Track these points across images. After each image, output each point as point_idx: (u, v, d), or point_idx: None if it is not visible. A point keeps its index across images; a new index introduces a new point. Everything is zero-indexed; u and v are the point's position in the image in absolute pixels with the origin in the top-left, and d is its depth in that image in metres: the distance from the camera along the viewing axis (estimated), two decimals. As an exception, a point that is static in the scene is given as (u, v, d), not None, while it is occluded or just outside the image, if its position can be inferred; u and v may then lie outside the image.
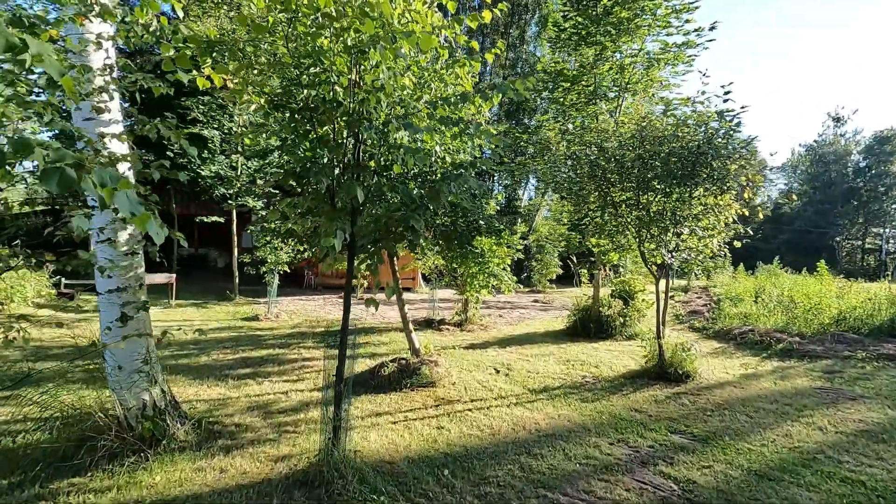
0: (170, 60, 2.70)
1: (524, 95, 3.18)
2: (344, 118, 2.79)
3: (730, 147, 5.39)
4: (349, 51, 2.71)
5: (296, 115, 2.89)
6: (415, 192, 3.49)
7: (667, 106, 5.42)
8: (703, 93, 5.53)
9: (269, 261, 10.70)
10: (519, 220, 23.55)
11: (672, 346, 6.03)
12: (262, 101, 2.96)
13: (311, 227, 3.46)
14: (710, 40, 8.21)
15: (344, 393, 3.57)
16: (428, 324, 10.27)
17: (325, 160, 3.05)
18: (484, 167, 3.44)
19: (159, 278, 11.52)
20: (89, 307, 11.21)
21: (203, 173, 12.02)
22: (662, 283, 6.19)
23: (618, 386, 5.72)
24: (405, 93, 3.33)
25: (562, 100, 9.60)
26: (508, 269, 10.14)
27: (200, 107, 12.32)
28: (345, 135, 2.93)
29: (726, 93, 5.25)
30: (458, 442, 4.06)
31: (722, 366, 6.75)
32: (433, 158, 4.00)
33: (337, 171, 3.16)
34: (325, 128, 3.10)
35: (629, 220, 5.94)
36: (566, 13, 8.85)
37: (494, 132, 3.42)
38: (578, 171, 6.16)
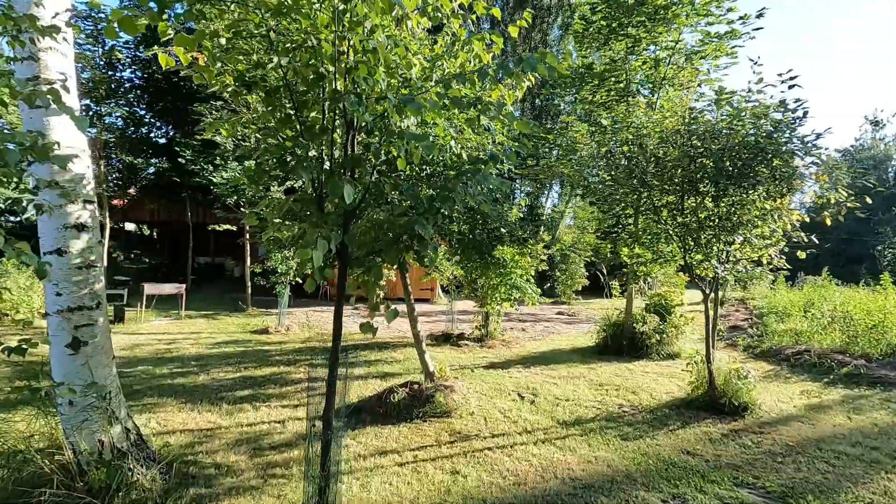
0: (112, 29, 2.14)
1: (560, 71, 2.53)
2: (328, 95, 2.19)
3: (795, 141, 4.62)
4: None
5: (271, 95, 2.32)
6: (423, 192, 2.88)
7: (719, 95, 4.68)
8: (760, 80, 4.78)
9: (279, 270, 10.22)
10: (542, 229, 22.76)
11: (724, 372, 5.22)
12: (232, 79, 2.40)
13: (298, 234, 2.87)
14: (758, 29, 7.42)
15: (333, 436, 2.93)
16: (446, 338, 9.61)
17: (310, 152, 2.44)
18: (507, 162, 2.79)
19: (168, 289, 11.17)
20: (98, 318, 10.93)
21: (215, 180, 11.67)
22: (711, 298, 5.40)
23: (662, 418, 4.95)
24: (412, 71, 2.72)
25: (589, 98, 8.90)
26: (532, 280, 9.44)
27: (214, 112, 12.06)
28: (333, 118, 2.34)
29: (791, 79, 4.49)
30: (475, 493, 3.38)
31: (779, 393, 5.89)
32: (447, 155, 3.38)
33: (327, 165, 2.56)
34: (312, 112, 2.51)
35: (671, 227, 5.20)
36: (595, 5, 8.18)
37: (521, 119, 2.77)
38: (613, 173, 5.45)
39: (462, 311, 13.68)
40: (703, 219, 4.89)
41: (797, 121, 4.65)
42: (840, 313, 9.92)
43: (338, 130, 2.57)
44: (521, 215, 7.91)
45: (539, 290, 9.34)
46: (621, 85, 8.19)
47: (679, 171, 4.97)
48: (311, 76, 2.18)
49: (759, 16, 7.32)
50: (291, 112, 2.35)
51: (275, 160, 2.32)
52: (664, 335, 8.30)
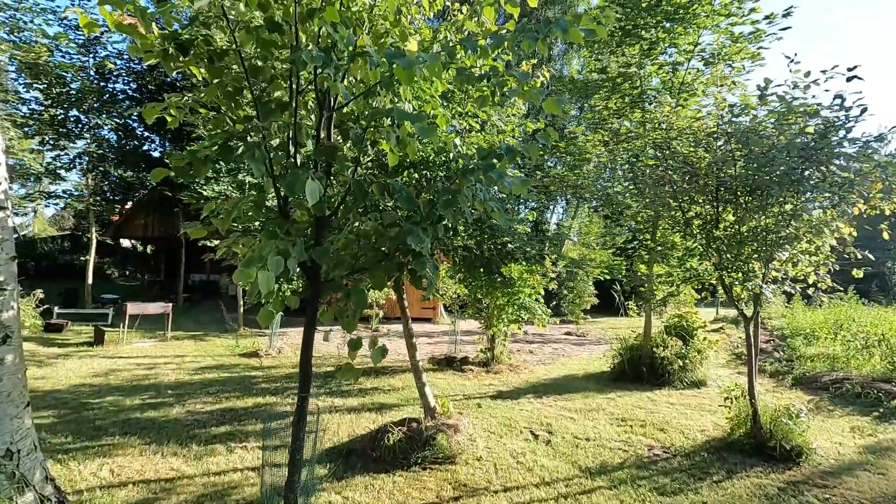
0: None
1: (601, 35, 1.95)
2: (284, 55, 1.60)
3: (852, 143, 4.01)
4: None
5: (216, 61, 1.73)
6: (422, 197, 2.26)
7: (764, 89, 4.07)
8: (808, 74, 4.18)
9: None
10: (547, 245, 22.13)
11: (771, 409, 4.52)
12: (163, 40, 1.81)
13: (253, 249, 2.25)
14: (785, 29, 6.88)
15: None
16: (448, 362, 8.91)
17: (274, 140, 1.83)
18: (527, 155, 2.18)
19: (153, 308, 10.53)
20: (77, 340, 10.27)
21: (205, 193, 11.12)
22: (748, 321, 4.73)
23: (701, 465, 4.23)
24: (407, 44, 2.13)
25: (599, 107, 8.34)
26: (542, 299, 8.78)
27: (208, 126, 11.59)
28: (296, 90, 1.74)
29: (850, 69, 3.88)
30: (487, 576, 2.68)
31: (827, 430, 5.17)
32: (451, 155, 2.78)
33: (296, 157, 1.94)
34: (274, 89, 1.91)
35: (704, 241, 4.56)
36: (606, 6, 7.67)
37: (547, 99, 2.16)
38: (639, 180, 4.83)
39: (466, 331, 12.99)
40: (745, 232, 4.24)
41: (852, 119, 4.04)
42: (875, 336, 9.19)
43: (309, 111, 1.97)
44: (528, 230, 7.29)
45: (549, 311, 8.67)
46: (636, 90, 7.63)
47: (715, 178, 4.35)
48: (266, 33, 1.59)
49: (787, 15, 6.78)
50: (243, 83, 1.76)
51: (217, 146, 1.72)
52: (686, 360, 7.59)
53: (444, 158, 3.06)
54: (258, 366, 8.55)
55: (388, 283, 2.39)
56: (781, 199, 4.04)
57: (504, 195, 4.03)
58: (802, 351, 9.19)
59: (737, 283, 4.23)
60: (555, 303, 19.85)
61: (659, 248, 7.51)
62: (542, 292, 8.71)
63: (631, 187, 4.86)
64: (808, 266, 4.54)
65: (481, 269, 3.61)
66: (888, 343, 8.47)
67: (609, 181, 7.44)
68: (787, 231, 4.04)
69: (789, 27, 6.85)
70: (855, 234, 4.54)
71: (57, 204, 15.33)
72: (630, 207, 5.26)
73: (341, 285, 2.26)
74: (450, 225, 2.23)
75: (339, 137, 2.07)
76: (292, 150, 1.85)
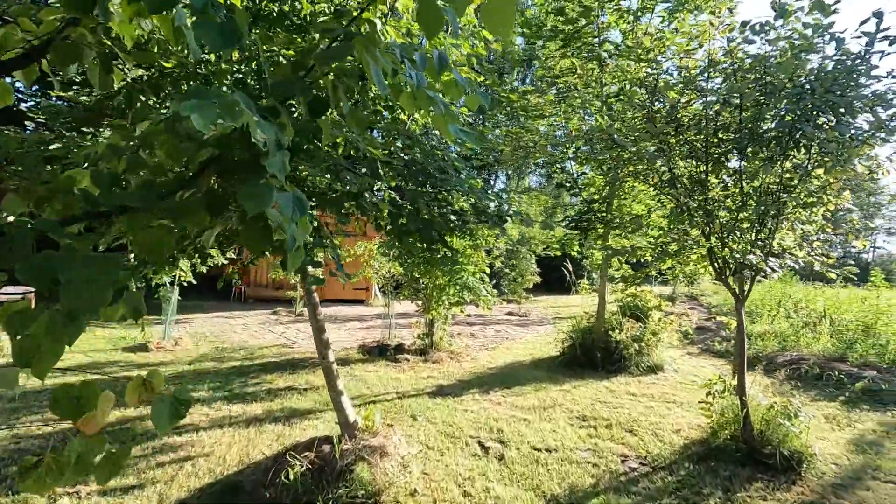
0: None
1: None
2: None
3: (873, 83, 3.21)
4: None
5: None
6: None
7: (778, 8, 3.17)
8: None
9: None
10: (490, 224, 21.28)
11: (763, 408, 3.78)
12: None
13: None
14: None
15: None
16: (381, 351, 7.75)
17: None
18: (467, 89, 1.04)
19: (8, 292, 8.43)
20: None
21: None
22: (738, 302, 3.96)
23: (690, 483, 3.41)
24: None
25: (554, 58, 7.32)
26: (486, 278, 7.80)
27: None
28: None
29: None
30: None
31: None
32: None
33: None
34: None
35: (695, 205, 3.67)
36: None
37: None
38: (626, 124, 3.82)
39: (402, 313, 11.87)
40: (751, 193, 3.38)
41: (875, 55, 3.23)
42: (816, 312, 9.13)
43: None
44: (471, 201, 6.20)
45: (495, 292, 7.72)
46: (595, 40, 6.66)
47: (712, 125, 3.44)
48: None
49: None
50: None
51: None
52: (642, 344, 6.94)
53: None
54: (144, 362, 6.94)
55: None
56: (797, 150, 3.18)
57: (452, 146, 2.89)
58: (749, 329, 8.94)
59: (737, 254, 3.37)
60: (496, 281, 19.22)
61: (616, 220, 6.75)
62: (487, 270, 7.74)
63: (620, 127, 3.82)
64: (809, 235, 3.80)
65: (417, 240, 2.48)
66: (831, 320, 8.36)
67: (563, 144, 6.49)
68: (805, 189, 3.20)
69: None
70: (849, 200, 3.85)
71: None
72: (614, 151, 4.26)
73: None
74: (344, 112, 1.06)
75: None
76: None
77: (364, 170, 2.00)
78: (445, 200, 2.60)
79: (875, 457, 3.86)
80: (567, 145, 6.17)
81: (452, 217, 2.58)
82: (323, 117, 1.18)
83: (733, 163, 3.75)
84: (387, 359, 7.41)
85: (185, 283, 8.37)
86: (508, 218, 2.97)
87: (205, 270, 8.01)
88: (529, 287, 14.82)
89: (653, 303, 7.60)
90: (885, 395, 5.39)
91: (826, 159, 2.98)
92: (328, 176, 1.92)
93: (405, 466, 3.41)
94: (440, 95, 1.29)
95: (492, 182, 19.23)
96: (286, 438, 4.13)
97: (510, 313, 13.91)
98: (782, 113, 2.96)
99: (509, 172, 20.83)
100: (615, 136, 3.55)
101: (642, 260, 4.74)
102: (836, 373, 6.07)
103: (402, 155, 2.58)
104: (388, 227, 2.51)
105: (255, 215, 0.83)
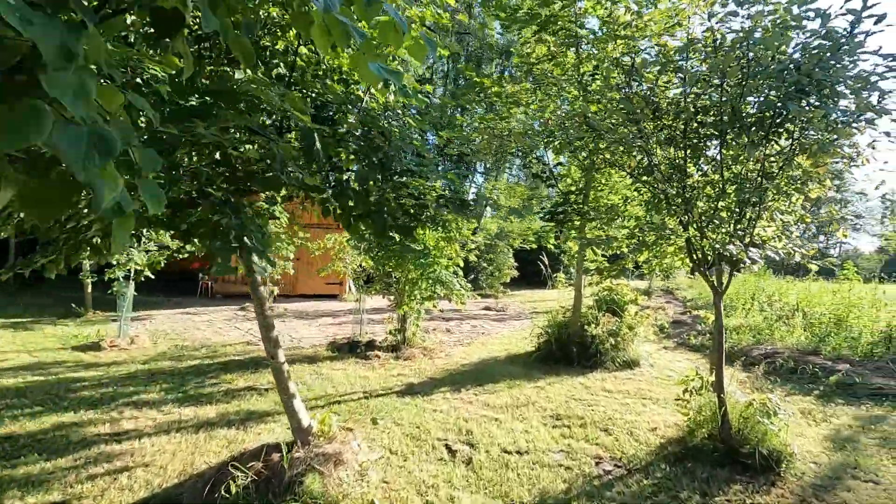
0: None
1: None
2: None
3: (860, 64, 3.04)
4: None
5: None
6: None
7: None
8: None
9: (116, 262, 7.39)
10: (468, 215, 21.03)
11: (741, 406, 3.62)
12: None
13: None
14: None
15: None
16: (351, 348, 7.45)
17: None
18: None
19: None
20: None
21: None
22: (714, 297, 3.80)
23: (666, 485, 3.22)
24: None
25: (529, 44, 7.06)
26: (460, 273, 7.56)
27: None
28: None
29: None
30: None
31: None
32: None
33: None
34: None
35: (672, 193, 3.47)
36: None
37: None
38: (602, 105, 3.59)
39: (376, 308, 11.55)
40: (729, 179, 3.19)
41: (859, 34, 3.07)
42: (789, 306, 9.16)
43: None
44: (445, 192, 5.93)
45: (469, 286, 7.48)
46: (572, 23, 6.42)
47: (691, 109, 3.23)
48: None
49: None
50: None
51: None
52: (618, 338, 6.80)
53: None
54: (95, 362, 6.49)
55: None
56: (779, 136, 3.00)
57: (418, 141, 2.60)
58: (724, 323, 8.90)
59: (717, 245, 3.18)
60: (473, 276, 19.02)
61: (593, 212, 6.57)
62: (461, 264, 7.49)
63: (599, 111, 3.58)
64: (784, 226, 3.65)
65: (368, 227, 2.20)
66: (804, 313, 8.38)
67: (539, 134, 6.26)
68: (786, 177, 3.03)
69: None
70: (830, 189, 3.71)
71: None
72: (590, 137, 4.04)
73: None
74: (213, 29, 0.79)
75: None
76: None
77: (295, 141, 1.71)
78: (401, 184, 2.33)
79: (853, 454, 3.75)
80: (543, 135, 5.94)
81: (408, 202, 2.30)
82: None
83: (712, 151, 3.58)
84: (357, 356, 7.11)
85: (143, 279, 7.89)
86: (472, 204, 2.71)
87: (162, 264, 7.56)
88: (507, 281, 14.64)
89: (629, 297, 7.47)
90: (858, 389, 5.34)
91: (812, 143, 2.80)
92: (255, 147, 1.63)
93: (363, 475, 3.13)
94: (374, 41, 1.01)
95: (470, 175, 18.98)
96: (238, 445, 3.81)
97: (487, 308, 13.72)
98: (767, 92, 2.77)
99: (488, 166, 20.61)
100: (589, 116, 3.32)
101: (618, 252, 4.57)
102: (811, 366, 6.02)
103: (355, 132, 2.29)
104: (338, 213, 2.22)
105: (42, 165, 0.54)
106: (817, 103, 2.73)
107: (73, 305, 9.57)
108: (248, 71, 1.81)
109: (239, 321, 9.99)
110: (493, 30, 16.74)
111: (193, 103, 1.50)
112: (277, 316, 10.80)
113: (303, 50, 2.48)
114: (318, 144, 1.67)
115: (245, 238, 1.58)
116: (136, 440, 3.91)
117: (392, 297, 7.48)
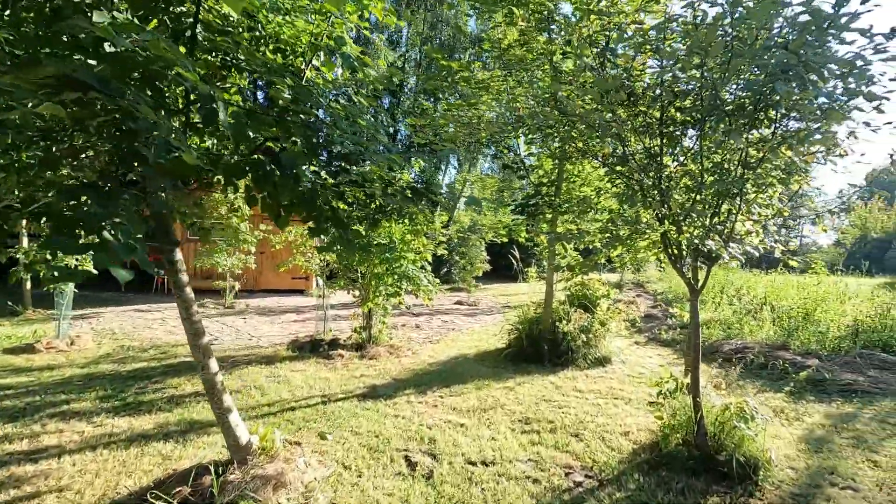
0: None
1: None
2: None
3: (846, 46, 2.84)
4: None
5: None
6: None
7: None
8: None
9: (55, 256, 6.77)
10: (438, 209, 20.73)
11: (717, 410, 3.43)
12: None
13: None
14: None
15: None
16: (314, 347, 7.06)
17: None
18: None
19: None
20: None
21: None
22: (691, 294, 3.60)
23: (638, 496, 3.00)
24: None
25: (500, 27, 6.73)
26: (428, 267, 7.25)
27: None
28: None
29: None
30: None
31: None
32: None
33: None
34: None
35: (651, 183, 3.23)
36: None
37: None
38: (575, 86, 3.29)
39: (343, 303, 11.15)
40: (710, 169, 2.96)
41: (844, 15, 2.86)
42: (757, 299, 9.20)
43: None
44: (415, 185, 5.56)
45: (437, 281, 7.18)
46: (543, 8, 6.12)
47: (668, 93, 2.98)
48: None
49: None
50: None
51: None
52: (590, 335, 6.62)
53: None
54: (27, 366, 5.91)
55: None
56: (762, 122, 2.77)
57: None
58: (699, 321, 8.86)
59: (695, 240, 2.95)
60: (446, 269, 18.74)
61: (565, 204, 6.35)
62: (430, 258, 7.17)
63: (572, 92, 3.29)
64: (762, 220, 3.46)
65: (299, 215, 1.85)
66: (772, 307, 8.40)
67: (512, 121, 5.96)
68: (767, 168, 2.81)
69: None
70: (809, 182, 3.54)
71: None
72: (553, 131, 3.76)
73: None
74: None
75: None
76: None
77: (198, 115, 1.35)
78: (341, 169, 1.98)
79: (829, 457, 3.62)
80: (513, 123, 5.65)
81: (351, 191, 1.96)
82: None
83: (688, 142, 3.35)
84: (319, 356, 6.72)
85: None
86: (435, 193, 2.38)
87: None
88: (479, 275, 14.41)
89: (601, 291, 7.30)
90: (828, 385, 5.29)
91: (801, 129, 2.58)
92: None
93: (308, 497, 2.79)
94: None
95: (442, 168, 18.62)
96: (173, 462, 3.41)
97: (459, 302, 13.47)
98: (752, 72, 2.53)
99: (460, 158, 20.29)
100: (559, 98, 3.04)
101: (591, 247, 4.33)
102: (781, 361, 5.96)
103: (290, 107, 1.93)
104: (267, 202, 1.86)
105: None
106: (806, 86, 2.50)
107: (10, 303, 8.84)
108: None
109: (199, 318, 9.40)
110: (465, 12, 16.38)
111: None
112: (238, 313, 10.27)
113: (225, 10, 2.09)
114: (222, 115, 1.32)
115: (107, 232, 1.22)
116: (56, 459, 3.47)
117: (357, 293, 7.12)
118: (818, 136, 2.53)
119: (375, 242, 6.43)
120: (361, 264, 6.81)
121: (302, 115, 1.84)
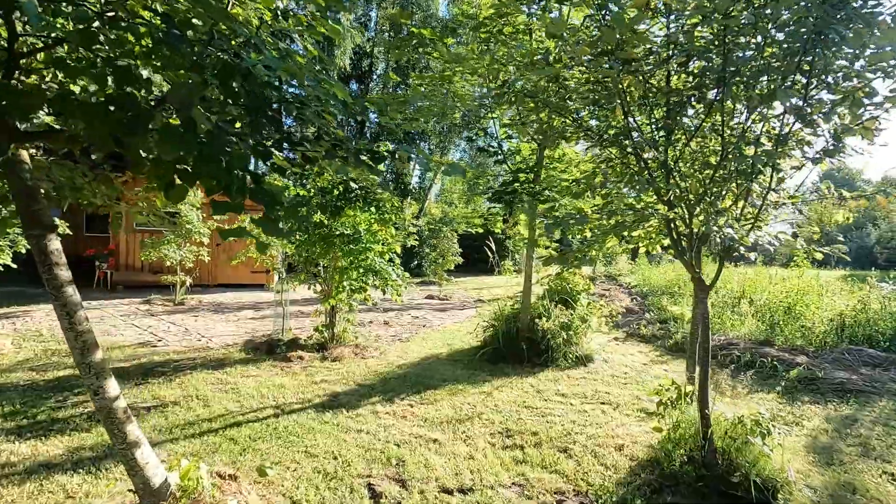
0: None
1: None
2: None
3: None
4: None
5: None
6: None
7: None
8: None
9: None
10: (409, 200, 20.12)
11: (727, 423, 3.00)
12: None
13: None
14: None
15: None
16: (270, 348, 6.37)
17: None
18: None
19: None
20: None
21: None
22: (700, 293, 3.15)
23: (646, 532, 2.54)
24: None
25: (475, 10, 6.19)
26: (397, 260, 6.66)
27: None
28: None
29: None
30: None
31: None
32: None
33: None
34: None
35: (653, 165, 2.74)
36: None
37: None
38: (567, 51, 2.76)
39: (307, 299, 10.44)
40: (728, 143, 2.48)
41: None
42: (734, 293, 9.02)
43: None
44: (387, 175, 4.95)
45: (407, 275, 6.60)
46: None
47: (676, 60, 2.48)
48: None
49: None
50: None
51: None
52: (571, 332, 6.18)
53: None
54: (-77, 376, 5.02)
55: None
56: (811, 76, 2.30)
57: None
58: (671, 311, 8.61)
59: (714, 227, 2.47)
60: (416, 262, 18.15)
61: (546, 190, 5.86)
62: (399, 250, 6.59)
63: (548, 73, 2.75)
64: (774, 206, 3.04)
65: (199, 178, 1.29)
66: (750, 300, 8.21)
67: (490, 94, 5.43)
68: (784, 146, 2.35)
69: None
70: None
71: None
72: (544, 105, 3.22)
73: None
74: None
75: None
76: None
77: None
78: (271, 120, 1.39)
79: (842, 471, 3.27)
80: (494, 98, 5.12)
81: (270, 142, 1.37)
82: None
83: (701, 109, 2.87)
84: (276, 358, 6.05)
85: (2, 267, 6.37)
86: (386, 156, 1.79)
87: (23, 251, 6.09)
88: (451, 268, 13.88)
89: (581, 286, 6.89)
90: (821, 384, 5.01)
91: (851, 89, 2.13)
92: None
93: (240, 554, 2.19)
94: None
95: (413, 155, 17.98)
96: (76, 502, 2.74)
97: (430, 296, 12.93)
98: (798, 14, 2.06)
99: (431, 147, 19.69)
100: (549, 57, 2.50)
101: (570, 239, 3.86)
102: (769, 359, 5.67)
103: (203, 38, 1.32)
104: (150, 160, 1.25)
105: None
106: (852, 34, 2.04)
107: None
108: None
109: (140, 317, 8.54)
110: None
111: None
112: (189, 310, 9.41)
113: None
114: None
115: None
116: (-76, 502, 2.74)
117: (319, 289, 6.47)
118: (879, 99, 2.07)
119: (338, 232, 5.80)
120: (323, 257, 6.17)
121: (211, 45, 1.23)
